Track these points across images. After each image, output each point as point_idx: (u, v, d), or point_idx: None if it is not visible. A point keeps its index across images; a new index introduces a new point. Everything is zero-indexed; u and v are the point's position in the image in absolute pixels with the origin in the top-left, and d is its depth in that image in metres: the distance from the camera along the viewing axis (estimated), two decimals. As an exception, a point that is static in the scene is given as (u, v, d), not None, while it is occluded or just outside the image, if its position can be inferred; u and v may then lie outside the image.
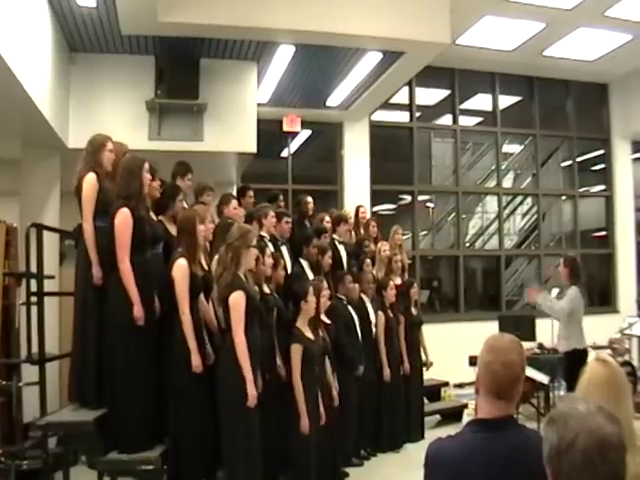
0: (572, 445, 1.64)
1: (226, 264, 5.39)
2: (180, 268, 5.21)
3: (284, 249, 7.21)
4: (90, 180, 5.29)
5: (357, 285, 7.72)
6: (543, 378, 7.87)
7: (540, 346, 9.51)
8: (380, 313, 7.92)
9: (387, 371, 7.84)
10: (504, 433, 2.27)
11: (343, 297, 7.51)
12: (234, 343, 5.14)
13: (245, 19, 7.85)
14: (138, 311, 5.05)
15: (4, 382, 6.31)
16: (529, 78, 13.21)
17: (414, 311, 8.65)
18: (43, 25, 7.11)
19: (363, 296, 7.86)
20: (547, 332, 9.11)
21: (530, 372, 7.15)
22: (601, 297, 13.83)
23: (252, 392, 5.13)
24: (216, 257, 5.84)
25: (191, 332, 5.15)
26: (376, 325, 7.87)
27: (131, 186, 5.23)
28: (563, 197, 14.06)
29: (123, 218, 5.10)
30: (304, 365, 5.97)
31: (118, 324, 5.11)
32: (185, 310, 5.15)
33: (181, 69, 8.62)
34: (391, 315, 8.09)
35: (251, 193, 8.02)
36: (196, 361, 5.14)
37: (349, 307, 7.55)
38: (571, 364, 6.90)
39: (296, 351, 5.99)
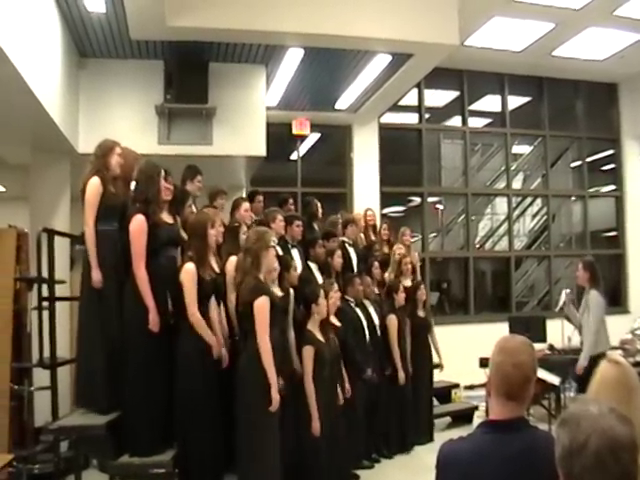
0: (584, 446, 1.65)
1: (246, 269, 5.38)
2: (188, 272, 5.21)
3: (295, 252, 7.20)
4: (93, 184, 5.30)
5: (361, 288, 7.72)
6: (554, 379, 7.83)
7: (551, 347, 9.48)
8: (392, 316, 7.92)
9: (402, 374, 7.84)
10: (515, 434, 2.27)
11: (351, 299, 7.51)
12: (258, 348, 5.15)
13: (253, 23, 7.86)
14: (153, 318, 5.07)
15: (16, 386, 6.33)
16: (538, 79, 13.17)
17: (422, 313, 8.61)
18: (53, 31, 7.15)
19: (365, 300, 7.82)
20: (558, 333, 9.07)
21: (541, 373, 7.12)
22: (612, 298, 13.71)
23: (276, 396, 5.14)
24: (231, 259, 5.85)
25: (206, 330, 5.21)
26: (385, 328, 7.86)
27: (149, 191, 5.26)
28: (573, 198, 14.02)
29: (138, 225, 5.12)
30: (316, 367, 5.97)
31: (133, 328, 5.13)
32: (194, 312, 5.16)
33: (190, 73, 8.63)
34: (400, 318, 8.07)
35: (260, 198, 8.02)
36: (216, 352, 5.27)
37: (357, 310, 7.56)
38: (591, 366, 6.85)
39: (308, 353, 5.98)
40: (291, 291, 6.31)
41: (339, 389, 6.60)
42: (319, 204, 8.60)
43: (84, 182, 5.35)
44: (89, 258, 5.23)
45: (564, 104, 13.82)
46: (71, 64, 8.09)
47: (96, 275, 5.21)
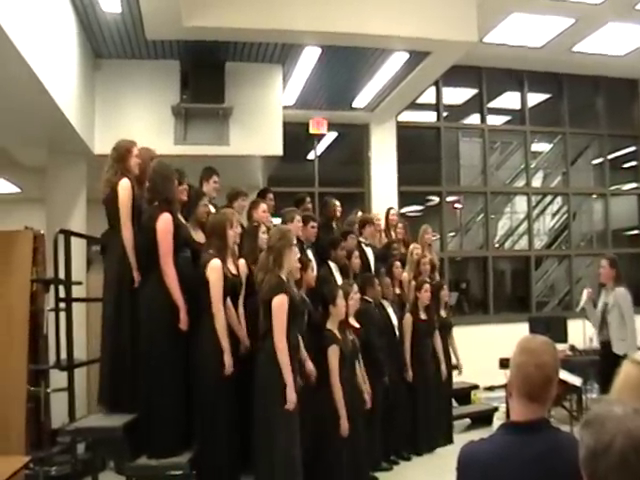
0: (609, 447, 1.62)
1: (268, 267, 5.36)
2: (215, 269, 5.23)
3: (309, 252, 7.14)
4: (126, 186, 5.33)
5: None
6: (576, 380, 7.74)
7: (572, 348, 9.38)
8: (408, 315, 7.86)
9: (410, 373, 7.77)
10: (537, 436, 2.23)
11: (371, 300, 7.44)
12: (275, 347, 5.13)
13: (270, 22, 7.83)
14: (184, 317, 5.10)
15: (32, 388, 6.33)
16: (558, 75, 13.01)
17: (443, 313, 8.57)
18: (68, 32, 7.16)
19: (383, 300, 7.75)
20: (579, 334, 8.98)
21: (562, 374, 7.02)
22: (634, 297, 13.55)
23: (292, 396, 5.11)
24: (241, 262, 5.82)
25: (224, 332, 5.18)
26: (401, 327, 7.80)
27: (168, 190, 5.28)
28: (594, 196, 13.86)
29: (166, 223, 5.14)
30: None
31: (154, 328, 5.13)
32: (220, 308, 5.18)
33: (206, 73, 8.63)
34: (424, 317, 8.02)
35: (271, 196, 7.97)
36: (228, 361, 5.14)
37: (375, 310, 7.50)
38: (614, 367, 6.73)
39: (334, 353, 5.94)
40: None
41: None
42: (338, 204, 8.53)
43: (112, 185, 5.34)
44: (124, 260, 5.25)
45: (584, 101, 13.68)
46: (87, 65, 8.10)
47: (138, 276, 5.25)
